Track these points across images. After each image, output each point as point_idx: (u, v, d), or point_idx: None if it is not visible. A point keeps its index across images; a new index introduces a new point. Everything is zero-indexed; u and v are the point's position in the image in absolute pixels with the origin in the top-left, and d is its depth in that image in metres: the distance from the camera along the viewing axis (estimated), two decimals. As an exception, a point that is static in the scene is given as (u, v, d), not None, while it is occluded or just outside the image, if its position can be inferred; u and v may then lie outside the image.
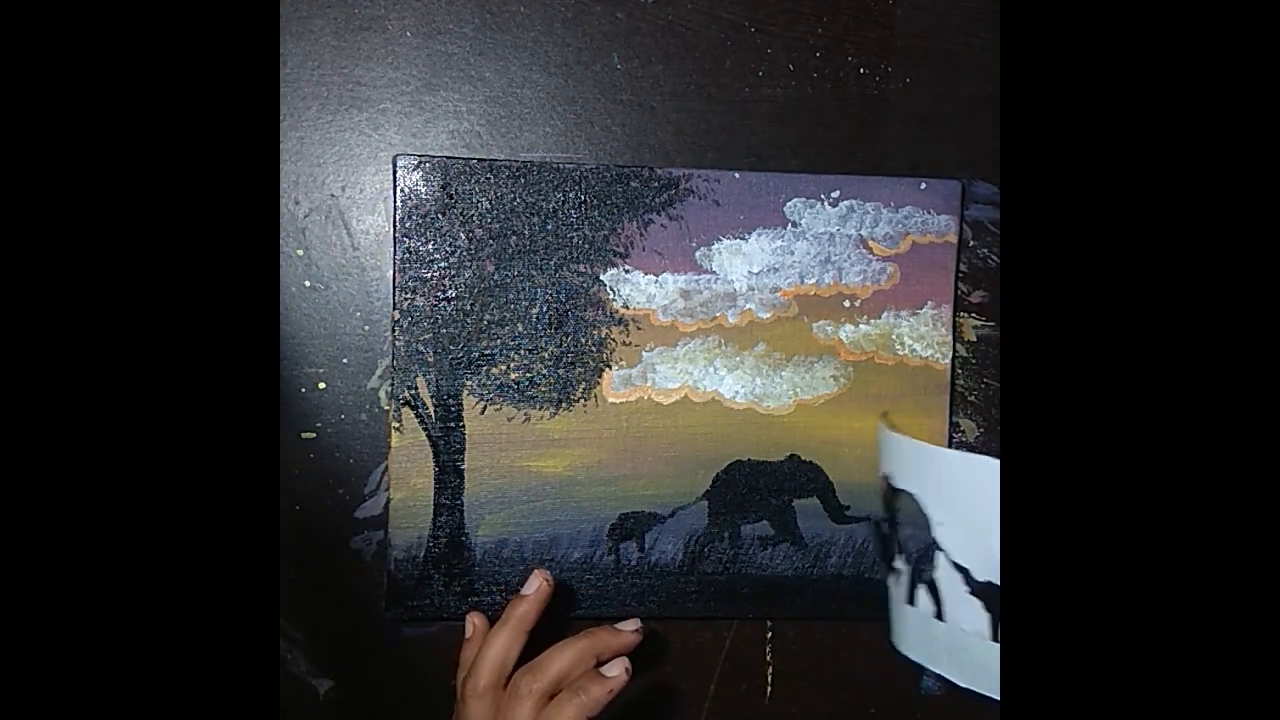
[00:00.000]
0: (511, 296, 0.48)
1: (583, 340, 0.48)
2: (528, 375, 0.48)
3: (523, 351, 0.48)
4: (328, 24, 0.47)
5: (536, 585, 0.41)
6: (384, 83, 0.48)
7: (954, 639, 0.39)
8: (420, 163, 0.47)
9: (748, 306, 0.49)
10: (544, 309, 0.48)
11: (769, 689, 0.51)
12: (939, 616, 0.39)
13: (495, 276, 0.48)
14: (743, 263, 0.49)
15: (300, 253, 0.47)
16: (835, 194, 0.50)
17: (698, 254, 0.49)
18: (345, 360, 0.48)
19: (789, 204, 0.49)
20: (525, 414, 0.48)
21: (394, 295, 0.47)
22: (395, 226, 0.47)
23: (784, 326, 0.50)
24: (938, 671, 0.39)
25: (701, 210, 0.49)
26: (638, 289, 0.49)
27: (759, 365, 0.50)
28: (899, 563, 0.41)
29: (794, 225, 0.50)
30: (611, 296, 0.49)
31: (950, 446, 0.51)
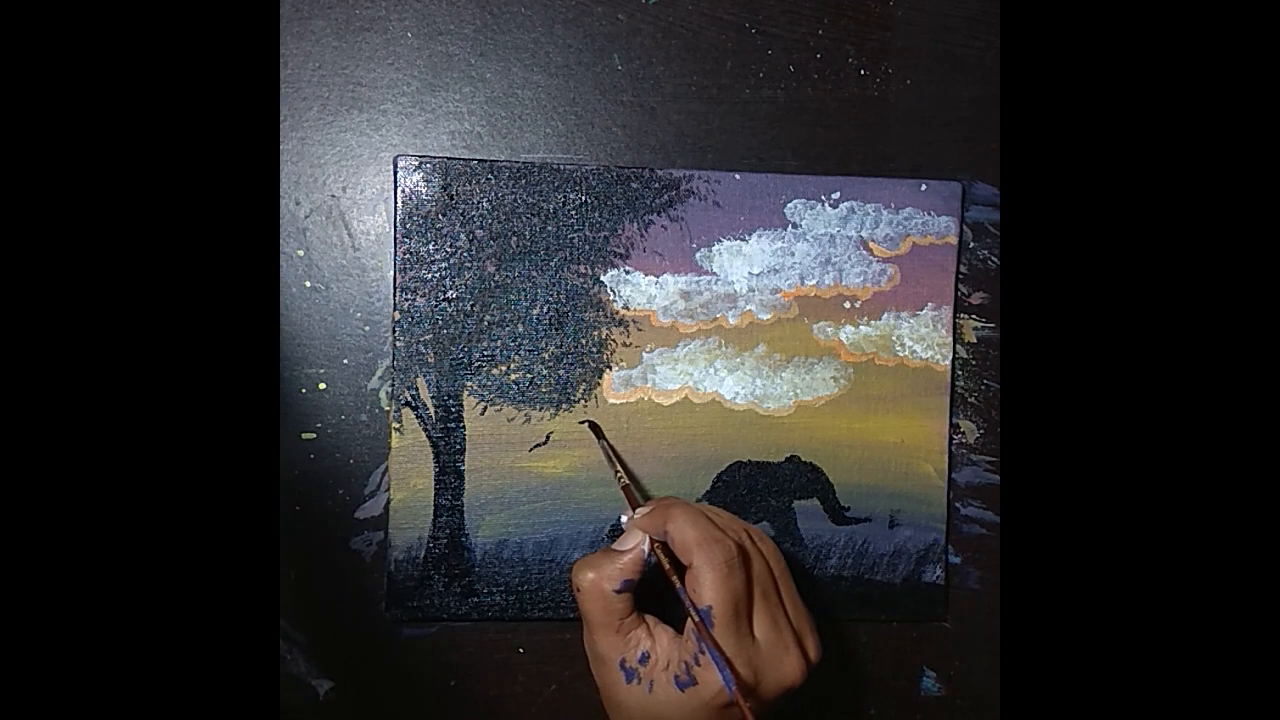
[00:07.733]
0: (512, 297, 0.48)
1: (583, 341, 0.48)
2: (528, 376, 0.48)
3: (523, 352, 0.48)
4: (328, 25, 0.47)
5: None
6: (385, 84, 0.48)
7: None
8: (421, 163, 0.47)
9: (748, 308, 0.49)
10: (544, 310, 0.48)
11: (769, 690, 0.51)
12: None
13: (496, 277, 0.48)
14: (743, 264, 0.49)
15: (301, 253, 0.47)
16: (835, 195, 0.50)
17: (698, 255, 0.49)
18: (345, 361, 0.48)
19: (789, 205, 0.49)
20: (526, 415, 0.48)
21: (394, 296, 0.47)
22: (396, 227, 0.47)
23: (784, 328, 0.50)
24: None
25: (702, 211, 0.49)
26: (638, 290, 0.49)
27: (759, 366, 0.50)
28: None
29: (794, 226, 0.50)
30: (612, 297, 0.49)
31: (950, 448, 0.51)
